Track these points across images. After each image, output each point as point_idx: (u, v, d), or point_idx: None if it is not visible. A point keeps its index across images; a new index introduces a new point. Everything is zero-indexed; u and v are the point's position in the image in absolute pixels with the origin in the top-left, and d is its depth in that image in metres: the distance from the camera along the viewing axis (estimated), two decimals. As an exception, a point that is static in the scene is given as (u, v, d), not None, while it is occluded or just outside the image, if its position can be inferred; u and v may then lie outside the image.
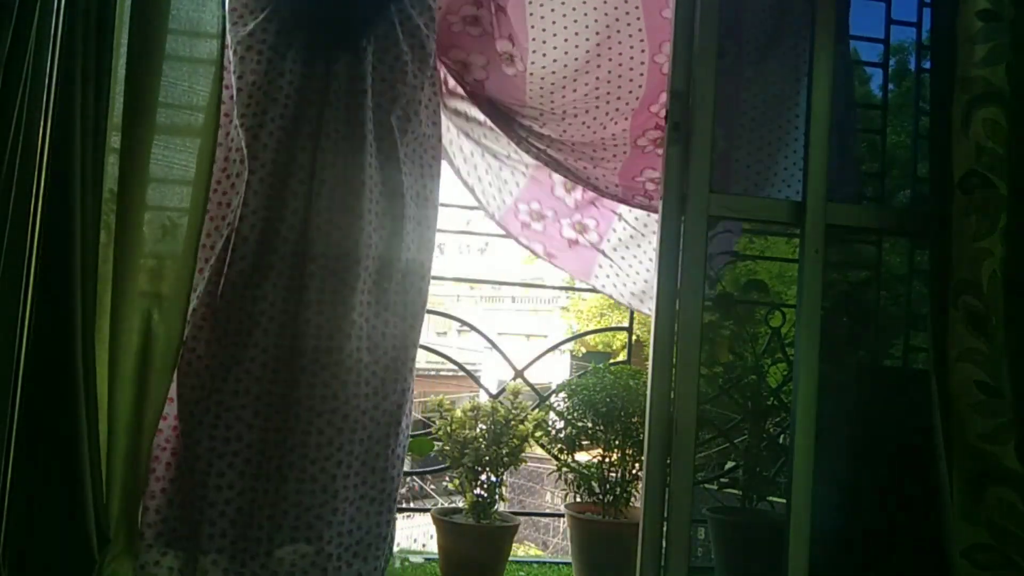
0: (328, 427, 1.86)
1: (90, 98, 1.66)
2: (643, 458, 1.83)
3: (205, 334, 1.87)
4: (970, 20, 1.64)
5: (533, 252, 2.87)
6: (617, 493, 2.49)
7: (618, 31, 2.41)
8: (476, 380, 3.52)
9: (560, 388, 2.69)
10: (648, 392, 1.76)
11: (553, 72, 2.42)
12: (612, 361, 3.06)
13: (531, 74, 2.42)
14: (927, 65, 1.99)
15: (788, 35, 2.44)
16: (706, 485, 2.83)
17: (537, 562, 2.94)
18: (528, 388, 2.86)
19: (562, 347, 3.26)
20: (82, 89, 1.62)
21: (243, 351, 1.84)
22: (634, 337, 3.06)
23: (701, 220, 1.75)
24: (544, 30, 2.41)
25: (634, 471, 2.49)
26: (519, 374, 2.95)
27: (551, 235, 2.82)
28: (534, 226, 2.83)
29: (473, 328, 3.16)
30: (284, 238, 1.89)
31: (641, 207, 2.64)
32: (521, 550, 6.34)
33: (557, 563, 2.88)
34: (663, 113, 2.47)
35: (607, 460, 2.52)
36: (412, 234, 2.04)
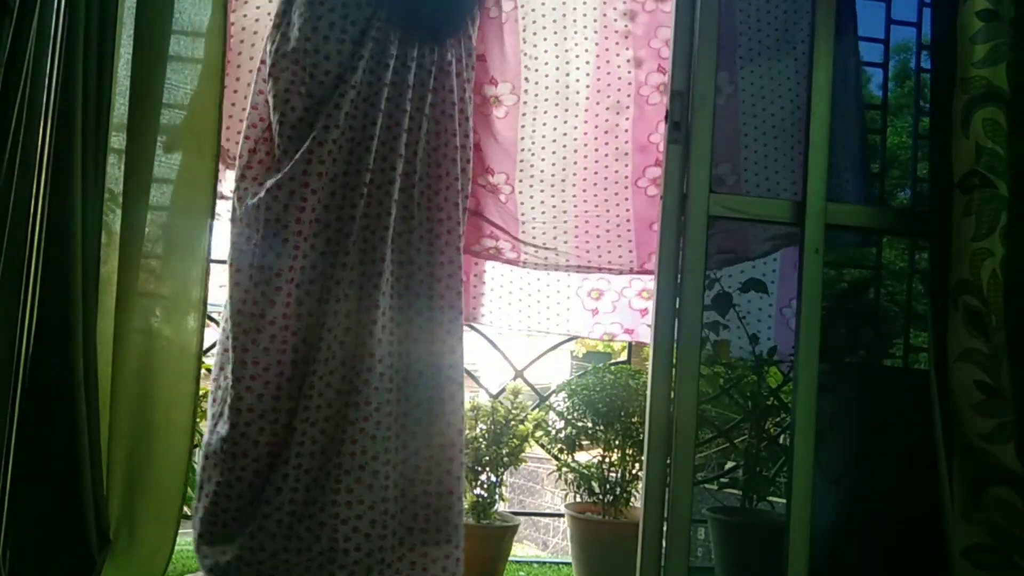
0: None
1: (91, 98, 1.66)
2: (643, 458, 1.83)
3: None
4: (970, 20, 1.64)
5: (612, 338, 2.82)
6: (617, 493, 2.49)
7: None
8: (476, 380, 3.52)
9: (560, 388, 2.69)
10: (648, 392, 1.76)
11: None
12: (612, 361, 3.06)
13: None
14: (927, 65, 1.98)
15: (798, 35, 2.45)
16: (706, 485, 2.83)
17: (537, 562, 2.94)
18: (528, 388, 2.86)
19: (562, 347, 3.24)
20: (83, 89, 1.62)
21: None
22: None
23: (701, 220, 1.75)
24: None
25: (634, 471, 2.49)
26: (519, 374, 2.95)
27: (622, 312, 2.77)
28: (601, 307, 2.77)
29: (473, 328, 3.16)
30: None
31: None
32: (521, 550, 6.33)
33: (557, 563, 2.88)
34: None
35: (607, 460, 2.52)
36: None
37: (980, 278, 1.58)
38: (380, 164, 1.98)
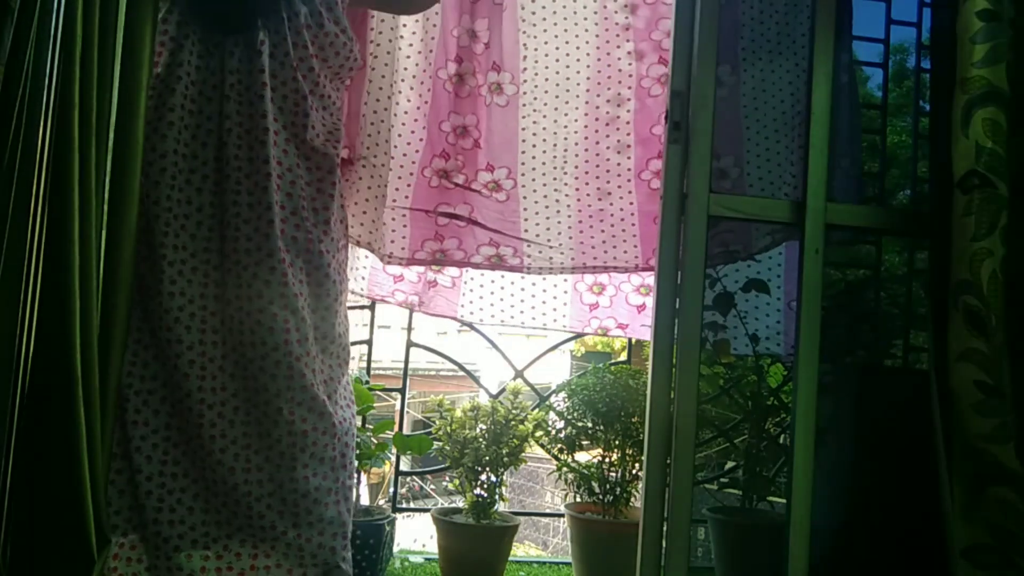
0: None
1: (91, 98, 1.66)
2: (643, 458, 1.84)
3: None
4: (970, 20, 1.64)
5: (605, 332, 2.79)
6: (617, 493, 2.49)
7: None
8: (476, 380, 3.52)
9: (560, 388, 2.70)
10: (648, 392, 1.76)
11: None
12: (612, 361, 3.06)
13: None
14: (927, 65, 1.98)
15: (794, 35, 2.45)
16: (706, 485, 2.83)
17: (537, 562, 2.94)
18: (528, 388, 2.86)
19: (562, 347, 3.25)
20: (82, 89, 1.62)
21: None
22: (634, 338, 3.05)
23: (701, 220, 1.75)
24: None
25: (634, 471, 2.49)
26: (519, 374, 2.95)
27: (618, 306, 2.76)
28: (602, 302, 2.76)
29: (473, 328, 3.16)
30: None
31: None
32: (521, 550, 6.33)
33: (557, 563, 2.88)
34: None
35: (607, 460, 2.52)
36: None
37: (980, 278, 1.58)
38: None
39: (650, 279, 2.71)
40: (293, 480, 1.78)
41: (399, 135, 2.43)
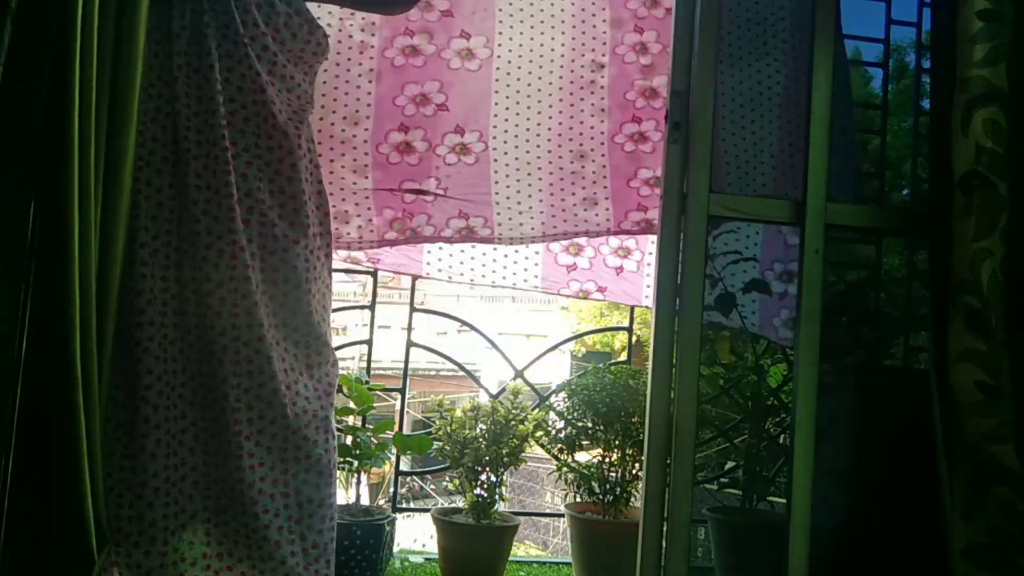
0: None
1: (89, 97, 1.65)
2: (643, 458, 1.83)
3: None
4: (970, 20, 1.64)
5: (586, 295, 2.81)
6: (617, 493, 2.49)
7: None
8: (476, 380, 3.53)
9: (560, 388, 2.70)
10: (648, 392, 1.76)
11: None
12: (612, 361, 3.06)
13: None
14: (927, 65, 1.98)
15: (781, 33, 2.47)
16: (706, 485, 2.83)
17: (537, 562, 2.94)
18: (528, 388, 2.86)
19: (562, 347, 3.25)
20: (82, 87, 1.62)
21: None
22: (634, 337, 3.06)
23: (701, 220, 1.75)
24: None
25: (634, 471, 2.49)
26: (519, 374, 2.95)
27: (598, 269, 2.78)
28: (580, 263, 2.78)
29: (473, 328, 3.16)
30: None
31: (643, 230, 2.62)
32: (521, 550, 6.34)
33: (557, 563, 2.88)
34: (638, 102, 2.54)
35: (607, 460, 2.52)
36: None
37: (980, 278, 1.58)
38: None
39: (628, 241, 2.75)
40: (239, 469, 1.77)
41: (352, 119, 2.47)
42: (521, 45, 2.50)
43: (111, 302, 1.72)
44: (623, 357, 3.17)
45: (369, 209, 2.50)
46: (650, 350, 1.80)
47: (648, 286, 2.82)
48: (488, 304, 14.90)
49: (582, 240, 2.74)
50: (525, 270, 2.77)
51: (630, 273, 2.80)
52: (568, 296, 2.86)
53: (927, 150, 1.81)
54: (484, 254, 2.74)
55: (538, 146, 2.52)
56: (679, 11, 1.83)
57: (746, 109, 2.54)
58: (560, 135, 2.53)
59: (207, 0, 1.87)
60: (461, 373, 3.41)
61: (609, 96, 2.54)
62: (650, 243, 2.78)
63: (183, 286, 1.80)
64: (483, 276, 2.74)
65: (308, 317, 1.91)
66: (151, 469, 1.72)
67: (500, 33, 2.50)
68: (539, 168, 2.52)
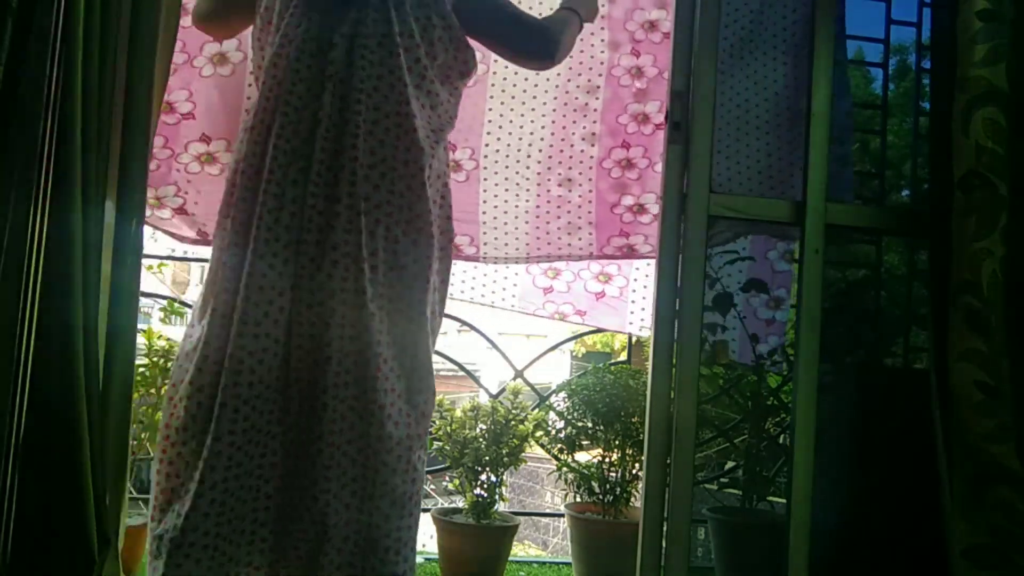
0: None
1: (92, 95, 1.66)
2: (643, 458, 1.84)
3: None
4: (970, 20, 1.64)
5: (563, 317, 2.80)
6: (617, 493, 2.49)
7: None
8: (476, 380, 3.52)
9: (560, 388, 2.69)
10: (648, 392, 1.76)
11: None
12: (612, 361, 3.06)
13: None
14: (927, 65, 1.98)
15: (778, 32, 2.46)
16: (706, 485, 2.83)
17: (537, 562, 2.94)
18: (528, 388, 2.86)
19: (562, 347, 3.26)
20: (84, 86, 1.62)
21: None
22: (634, 337, 3.05)
23: (701, 220, 1.75)
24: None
25: (634, 471, 2.49)
26: (519, 374, 2.95)
27: (577, 293, 2.77)
28: (557, 286, 2.76)
29: (473, 328, 3.16)
30: None
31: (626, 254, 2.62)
32: (521, 550, 6.33)
33: (557, 563, 2.88)
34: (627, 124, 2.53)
35: (607, 460, 2.52)
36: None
37: (980, 278, 1.58)
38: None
39: (610, 267, 2.75)
40: (316, 484, 1.67)
41: None
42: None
43: (129, 311, 1.73)
44: (623, 357, 3.16)
45: None
46: (650, 350, 1.80)
47: (632, 312, 2.82)
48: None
49: (561, 264, 2.75)
50: (503, 289, 2.77)
51: (612, 299, 2.79)
52: (543, 317, 2.86)
53: (927, 150, 1.81)
54: (464, 271, 2.74)
55: (528, 167, 2.51)
56: (679, 11, 1.83)
57: (742, 109, 2.53)
58: (551, 157, 2.53)
59: (369, 10, 1.83)
60: (461, 373, 3.41)
61: (601, 120, 2.54)
62: (635, 269, 2.78)
63: (299, 292, 1.73)
64: (462, 292, 2.75)
65: (417, 339, 1.81)
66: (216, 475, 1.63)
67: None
68: (527, 191, 2.52)
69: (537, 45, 1.98)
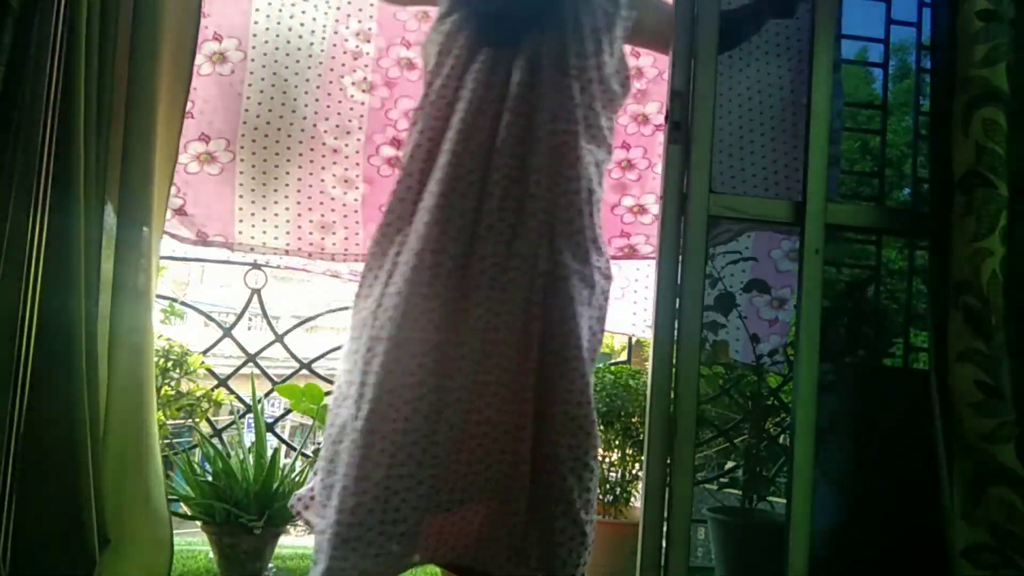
0: None
1: (93, 98, 1.66)
2: (643, 458, 1.83)
3: None
4: (970, 20, 1.64)
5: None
6: (617, 493, 2.49)
7: None
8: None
9: (560, 388, 2.69)
10: (648, 392, 1.76)
11: None
12: (612, 361, 3.06)
13: None
14: (927, 65, 1.98)
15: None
16: (706, 485, 2.83)
17: (537, 562, 2.93)
18: (528, 388, 2.85)
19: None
20: (84, 89, 1.62)
21: None
22: (634, 337, 3.05)
23: (701, 220, 1.75)
24: None
25: (634, 471, 2.49)
26: (519, 374, 2.95)
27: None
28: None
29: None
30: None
31: None
32: (521, 550, 6.31)
33: (557, 563, 2.87)
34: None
35: (607, 460, 2.52)
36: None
37: (980, 278, 1.58)
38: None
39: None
40: None
41: (344, 128, 2.49)
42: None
43: (129, 311, 1.73)
44: (623, 357, 3.16)
45: (357, 223, 2.50)
46: (650, 350, 1.80)
47: (635, 314, 2.82)
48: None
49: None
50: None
51: (613, 300, 2.79)
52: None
53: (927, 150, 1.81)
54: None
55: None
56: (679, 11, 1.83)
57: (743, 109, 2.53)
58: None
59: (546, 39, 1.85)
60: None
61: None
62: (635, 269, 2.77)
63: (468, 303, 1.74)
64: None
65: (572, 354, 1.75)
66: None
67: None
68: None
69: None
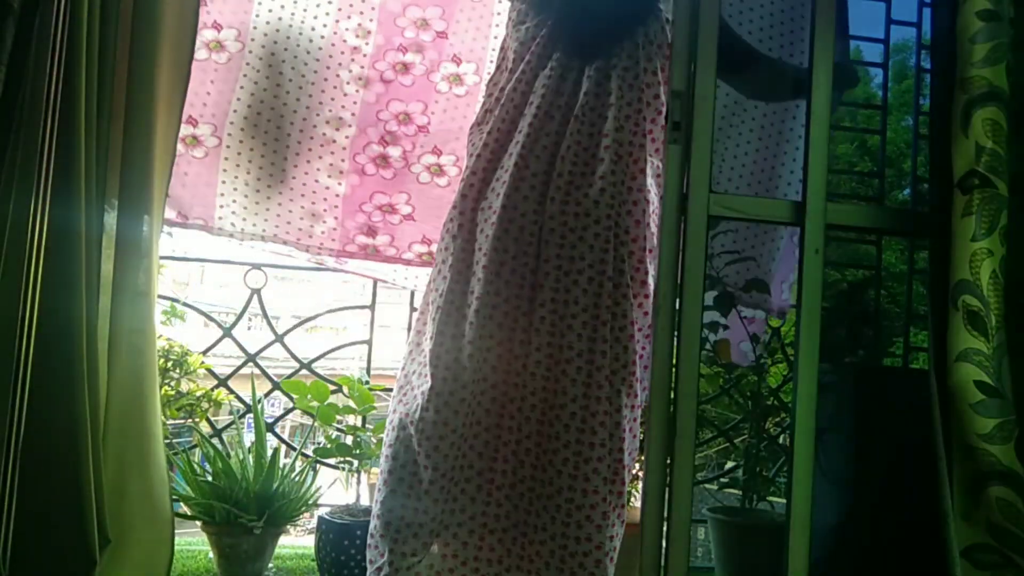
0: None
1: (93, 96, 1.66)
2: (643, 458, 1.83)
3: None
4: (970, 20, 1.64)
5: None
6: (617, 493, 2.48)
7: None
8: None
9: (560, 388, 2.69)
10: (648, 392, 1.75)
11: None
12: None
13: None
14: (927, 65, 1.98)
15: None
16: (706, 485, 2.83)
17: (537, 562, 2.93)
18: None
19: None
20: (85, 87, 1.62)
21: None
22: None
23: (701, 220, 1.75)
24: None
25: (634, 471, 2.49)
26: (519, 374, 2.95)
27: None
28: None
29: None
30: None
31: None
32: (521, 550, 6.30)
33: (557, 563, 2.87)
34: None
35: (607, 460, 2.51)
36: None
37: (980, 278, 1.58)
38: None
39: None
40: None
41: (335, 123, 2.55)
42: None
43: (130, 311, 1.73)
44: (623, 357, 3.15)
45: (336, 218, 2.55)
46: (650, 350, 1.80)
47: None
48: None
49: None
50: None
51: None
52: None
53: (927, 150, 1.81)
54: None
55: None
56: (679, 11, 1.83)
57: (739, 107, 2.54)
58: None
59: (618, 51, 1.91)
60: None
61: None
62: None
63: (533, 305, 1.82)
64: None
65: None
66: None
67: (491, 62, 2.52)
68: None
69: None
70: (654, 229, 1.90)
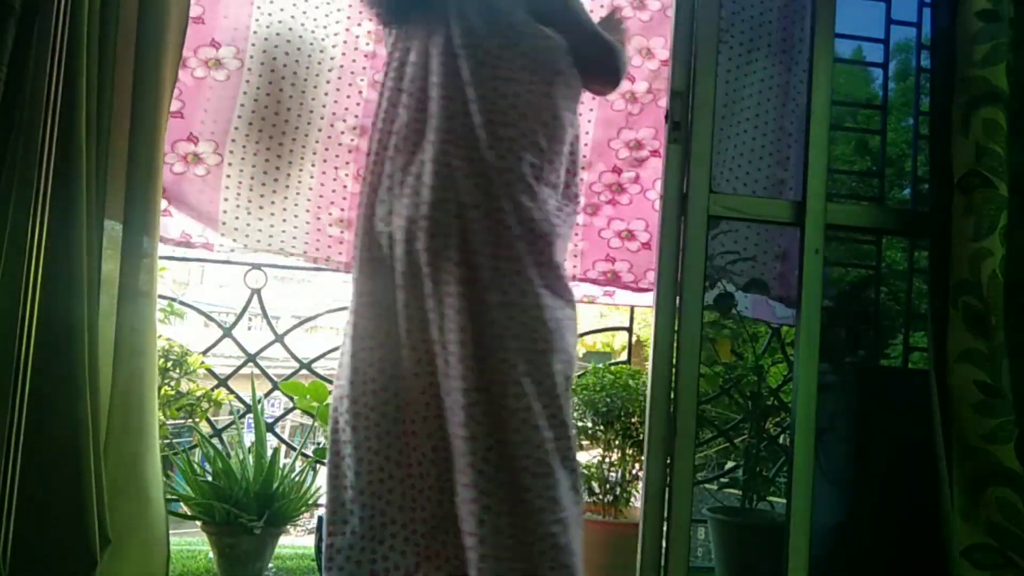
0: None
1: (93, 97, 1.66)
2: (643, 458, 1.83)
3: None
4: (970, 20, 1.64)
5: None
6: (617, 493, 2.49)
7: None
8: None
9: (560, 388, 2.69)
10: (648, 392, 1.76)
11: None
12: (612, 361, 3.06)
13: None
14: (927, 65, 1.98)
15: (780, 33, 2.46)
16: (706, 485, 2.83)
17: (537, 562, 2.93)
18: (528, 388, 2.85)
19: (562, 347, 3.24)
20: (86, 88, 1.62)
21: None
22: (634, 337, 3.05)
23: (701, 220, 1.75)
24: None
25: (634, 471, 2.49)
26: (519, 374, 2.95)
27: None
28: None
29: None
30: None
31: None
32: (521, 550, 6.31)
33: (557, 563, 2.87)
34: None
35: (607, 460, 2.52)
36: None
37: (980, 278, 1.58)
38: None
39: (592, 290, 2.69)
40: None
41: (361, 129, 2.49)
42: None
43: (131, 311, 1.73)
44: (623, 357, 3.16)
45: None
46: (650, 350, 1.80)
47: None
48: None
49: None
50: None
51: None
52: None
53: (927, 150, 1.81)
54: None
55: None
56: (679, 12, 1.83)
57: (738, 107, 2.53)
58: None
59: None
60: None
61: (592, 143, 2.55)
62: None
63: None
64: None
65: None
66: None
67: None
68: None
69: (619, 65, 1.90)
70: None
